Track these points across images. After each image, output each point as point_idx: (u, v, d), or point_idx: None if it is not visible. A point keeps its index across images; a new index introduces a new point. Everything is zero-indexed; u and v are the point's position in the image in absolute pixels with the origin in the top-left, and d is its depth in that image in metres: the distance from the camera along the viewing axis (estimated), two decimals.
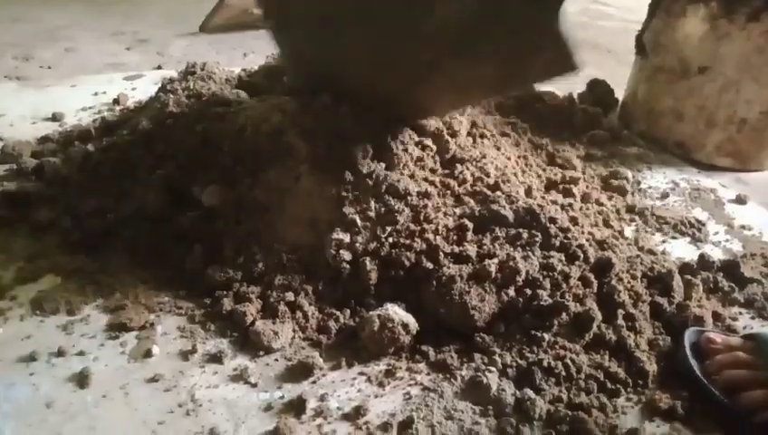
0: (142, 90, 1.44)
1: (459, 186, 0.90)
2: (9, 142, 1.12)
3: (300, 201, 0.86)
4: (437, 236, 0.83)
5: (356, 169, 0.85)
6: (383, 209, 0.84)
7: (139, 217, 0.92)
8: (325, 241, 0.82)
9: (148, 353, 0.74)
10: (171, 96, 1.07)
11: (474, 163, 0.94)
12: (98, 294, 0.82)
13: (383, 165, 0.87)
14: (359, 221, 0.82)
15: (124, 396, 0.69)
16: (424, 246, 0.82)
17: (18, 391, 0.68)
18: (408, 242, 0.82)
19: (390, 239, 0.83)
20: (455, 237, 0.83)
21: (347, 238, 0.81)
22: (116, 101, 1.38)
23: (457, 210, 0.87)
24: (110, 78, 1.52)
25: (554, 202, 0.96)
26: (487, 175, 0.93)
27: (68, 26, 1.91)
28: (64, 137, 1.17)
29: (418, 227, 0.83)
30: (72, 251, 0.89)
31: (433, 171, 0.93)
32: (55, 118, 1.29)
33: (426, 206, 0.85)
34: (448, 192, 0.89)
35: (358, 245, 0.82)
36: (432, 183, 0.90)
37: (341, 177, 0.85)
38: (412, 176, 0.89)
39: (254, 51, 1.73)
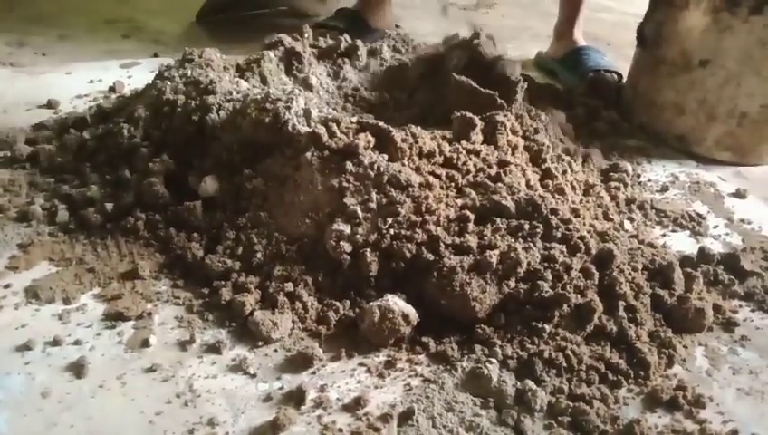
0: (138, 77, 1.42)
1: (462, 177, 0.90)
2: (3, 129, 1.11)
3: (300, 191, 0.85)
4: (438, 228, 0.82)
5: (358, 160, 0.84)
6: (384, 200, 0.83)
7: (136, 206, 0.91)
8: (326, 232, 0.81)
9: (145, 343, 0.73)
10: (168, 83, 1.06)
11: (476, 154, 0.93)
12: (94, 282, 0.81)
13: (385, 156, 0.87)
14: (360, 212, 0.82)
15: (121, 386, 0.68)
16: (425, 237, 0.81)
17: (13, 380, 0.67)
18: (409, 233, 0.81)
19: (391, 231, 0.82)
20: (456, 229, 0.83)
21: (347, 230, 0.81)
22: (112, 89, 1.36)
23: (459, 201, 0.86)
24: (106, 65, 1.50)
25: (555, 194, 0.96)
26: (489, 166, 0.92)
27: (61, 13, 1.88)
28: (59, 124, 1.15)
29: (420, 219, 0.83)
30: (67, 239, 0.88)
31: (435, 163, 0.91)
32: (50, 105, 1.27)
33: (427, 197, 0.84)
34: (452, 184, 0.88)
35: (358, 236, 0.81)
36: (433, 174, 0.89)
37: (343, 167, 0.84)
38: (417, 169, 0.88)
39: (253, 39, 1.71)
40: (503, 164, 0.93)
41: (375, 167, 0.84)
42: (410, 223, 0.82)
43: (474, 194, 0.87)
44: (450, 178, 0.89)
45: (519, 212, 0.85)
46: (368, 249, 0.80)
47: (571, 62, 1.58)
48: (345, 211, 0.82)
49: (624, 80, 1.47)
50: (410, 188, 0.84)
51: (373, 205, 0.82)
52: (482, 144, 0.95)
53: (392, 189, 0.83)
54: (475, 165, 0.91)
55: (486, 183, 0.89)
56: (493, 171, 0.91)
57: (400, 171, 0.84)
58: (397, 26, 1.82)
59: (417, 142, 0.89)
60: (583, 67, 1.54)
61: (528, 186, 0.93)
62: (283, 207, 0.85)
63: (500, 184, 0.89)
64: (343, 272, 0.81)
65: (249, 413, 0.66)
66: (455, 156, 0.91)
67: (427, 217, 0.83)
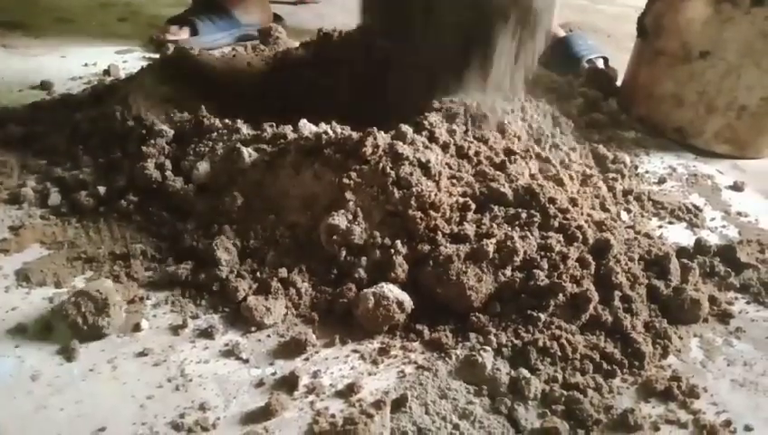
0: (133, 63, 1.40)
1: (472, 168, 0.88)
2: None
3: (297, 182, 0.83)
4: (441, 220, 0.81)
5: (362, 155, 0.82)
6: (382, 198, 0.81)
7: (129, 189, 0.90)
8: (320, 225, 0.80)
9: (137, 327, 0.72)
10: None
11: (485, 142, 0.92)
12: (86, 266, 0.80)
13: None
14: (359, 211, 0.80)
15: (112, 370, 0.67)
16: (425, 229, 0.79)
17: (3, 363, 0.67)
18: (410, 227, 0.79)
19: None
20: (456, 218, 0.82)
21: (343, 224, 0.79)
22: (107, 72, 1.34)
23: (459, 189, 0.85)
24: (101, 50, 1.48)
25: (553, 183, 0.95)
26: (496, 154, 0.91)
27: None
28: (52, 105, 1.14)
29: (423, 215, 0.80)
30: (59, 222, 0.87)
31: (450, 154, 0.89)
32: (44, 86, 1.26)
33: (437, 194, 0.81)
34: (462, 175, 0.87)
35: (354, 237, 0.79)
36: (447, 165, 0.87)
37: (346, 159, 0.81)
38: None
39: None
40: (509, 153, 0.92)
41: (381, 168, 0.81)
42: (413, 220, 0.80)
43: (473, 182, 0.86)
44: (460, 169, 0.88)
45: (517, 200, 0.84)
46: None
47: (558, 53, 1.56)
48: (343, 206, 0.80)
49: (610, 62, 1.46)
50: (415, 188, 0.80)
51: (374, 202, 0.80)
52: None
53: (396, 190, 0.80)
54: (482, 153, 0.90)
55: (485, 171, 0.88)
56: (498, 160, 0.90)
57: (412, 173, 0.81)
58: (278, 17, 1.65)
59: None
60: (572, 56, 1.53)
61: (531, 175, 0.92)
62: (279, 195, 0.84)
63: (502, 172, 0.88)
64: (338, 260, 0.80)
65: (241, 398, 0.65)
66: (465, 145, 0.90)
67: (432, 213, 0.81)
